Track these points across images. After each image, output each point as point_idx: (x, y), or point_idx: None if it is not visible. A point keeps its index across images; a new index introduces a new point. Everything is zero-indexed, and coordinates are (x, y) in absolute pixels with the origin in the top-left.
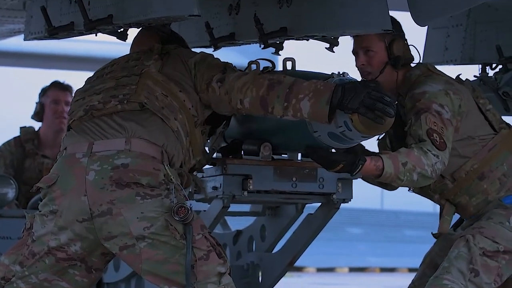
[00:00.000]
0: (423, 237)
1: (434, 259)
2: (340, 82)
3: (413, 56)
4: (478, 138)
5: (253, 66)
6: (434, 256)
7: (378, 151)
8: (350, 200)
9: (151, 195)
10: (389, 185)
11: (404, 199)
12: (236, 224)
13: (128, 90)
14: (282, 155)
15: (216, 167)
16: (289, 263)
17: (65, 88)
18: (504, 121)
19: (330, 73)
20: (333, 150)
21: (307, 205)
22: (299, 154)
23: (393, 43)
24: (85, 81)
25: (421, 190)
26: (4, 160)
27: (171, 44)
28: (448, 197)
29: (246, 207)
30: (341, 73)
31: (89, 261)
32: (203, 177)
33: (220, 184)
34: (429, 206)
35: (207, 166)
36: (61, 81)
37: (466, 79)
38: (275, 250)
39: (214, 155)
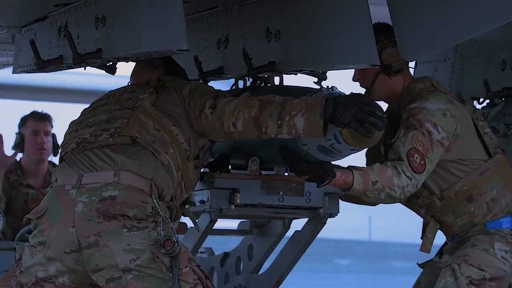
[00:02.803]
0: (411, 269)
1: None
2: (329, 96)
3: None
4: (470, 161)
5: (240, 83)
6: (423, 286)
7: (352, 165)
8: (337, 215)
9: (138, 227)
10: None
11: (392, 231)
12: (224, 245)
13: (120, 124)
14: (269, 171)
15: (203, 181)
16: (276, 283)
17: (44, 118)
18: (500, 146)
19: (319, 88)
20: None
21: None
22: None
23: (382, 52)
24: (81, 113)
25: (408, 203)
26: None
27: (170, 75)
28: (434, 213)
29: (234, 226)
30: (329, 87)
31: None
32: None
33: (208, 198)
34: (417, 238)
35: None
36: (40, 110)
37: (468, 98)
38: (262, 269)
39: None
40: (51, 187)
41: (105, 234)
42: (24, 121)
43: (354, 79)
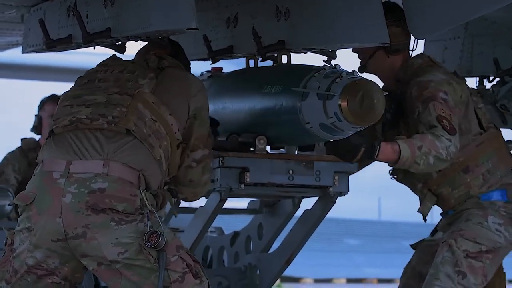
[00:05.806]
0: None
1: (415, 269)
2: (333, 72)
3: (407, 41)
4: (469, 132)
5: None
6: (415, 265)
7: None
8: (347, 193)
9: (126, 220)
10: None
11: (401, 210)
12: (234, 224)
13: (118, 113)
14: (281, 150)
15: (213, 160)
16: (286, 261)
17: None
18: (493, 122)
19: (322, 66)
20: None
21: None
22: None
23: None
24: (75, 82)
25: (405, 178)
26: (13, 166)
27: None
28: (431, 186)
29: (244, 205)
30: (333, 65)
31: (72, 277)
32: None
33: (217, 177)
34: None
35: None
36: (59, 94)
37: (462, 77)
38: (272, 248)
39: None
40: (37, 169)
41: (93, 227)
42: (43, 104)
43: (353, 50)
